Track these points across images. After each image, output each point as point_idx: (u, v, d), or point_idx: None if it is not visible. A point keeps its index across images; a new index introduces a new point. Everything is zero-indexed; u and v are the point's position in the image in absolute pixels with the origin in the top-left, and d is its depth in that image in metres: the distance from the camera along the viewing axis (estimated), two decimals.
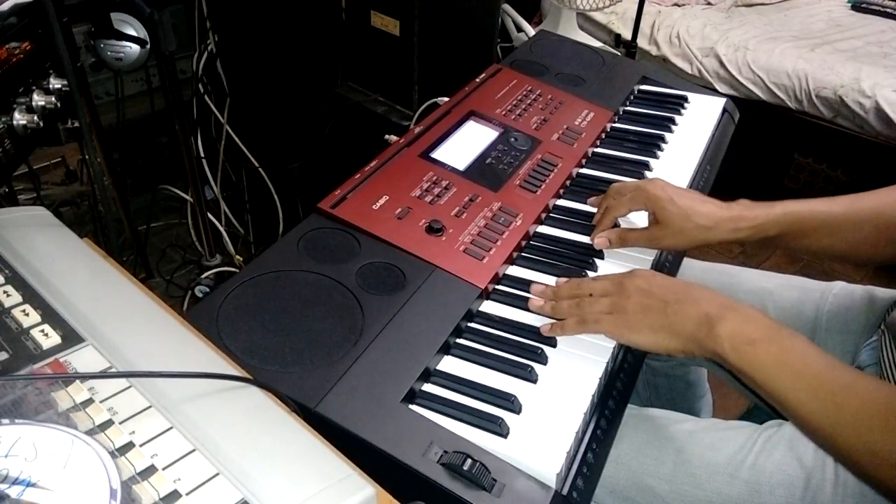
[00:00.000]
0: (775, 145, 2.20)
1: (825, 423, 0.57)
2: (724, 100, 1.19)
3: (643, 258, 0.83)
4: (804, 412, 0.57)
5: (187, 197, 1.58)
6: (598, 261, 0.82)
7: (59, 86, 0.85)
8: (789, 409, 0.59)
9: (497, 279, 0.78)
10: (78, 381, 0.45)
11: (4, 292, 0.51)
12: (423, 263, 0.75)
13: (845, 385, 0.57)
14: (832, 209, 0.77)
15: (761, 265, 2.04)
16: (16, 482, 0.37)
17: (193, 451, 0.42)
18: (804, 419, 0.58)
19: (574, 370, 0.67)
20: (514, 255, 0.81)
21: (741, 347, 0.60)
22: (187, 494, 0.39)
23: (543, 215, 0.89)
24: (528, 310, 0.74)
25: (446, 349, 0.68)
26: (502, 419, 0.60)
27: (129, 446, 0.41)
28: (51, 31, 0.82)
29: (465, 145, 0.95)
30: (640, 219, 0.85)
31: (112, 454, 0.40)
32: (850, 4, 2.52)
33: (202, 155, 1.70)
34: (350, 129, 1.42)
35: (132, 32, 1.12)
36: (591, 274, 0.80)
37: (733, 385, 0.89)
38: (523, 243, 0.84)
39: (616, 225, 0.85)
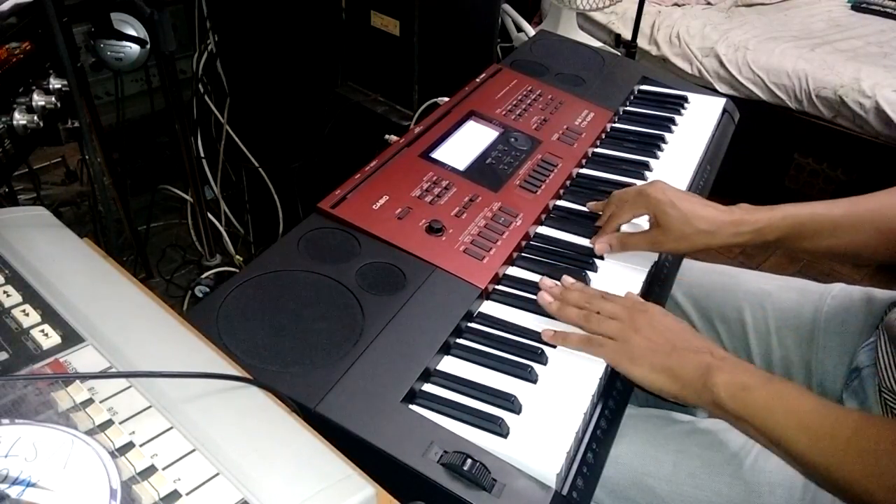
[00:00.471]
0: (775, 145, 2.20)
1: (820, 456, 0.58)
2: (724, 100, 1.19)
3: (643, 259, 0.83)
4: (800, 448, 0.59)
5: (187, 197, 1.58)
6: (598, 261, 0.82)
7: (59, 86, 0.85)
8: (784, 447, 0.60)
9: (497, 279, 0.78)
10: (78, 381, 0.45)
11: (4, 292, 0.51)
12: (423, 263, 0.75)
13: (837, 417, 0.59)
14: (832, 212, 0.78)
15: (761, 266, 2.04)
16: (16, 482, 0.37)
17: (193, 451, 0.42)
18: (800, 455, 0.59)
19: (574, 370, 0.67)
20: (514, 255, 0.81)
21: (736, 394, 0.62)
22: (187, 494, 0.39)
23: (543, 216, 0.89)
24: (528, 310, 0.74)
25: (446, 349, 0.68)
26: (502, 419, 0.60)
27: (129, 446, 0.41)
28: (51, 31, 0.82)
29: (465, 145, 0.95)
30: (642, 222, 0.85)
31: (112, 454, 0.40)
32: (850, 4, 2.52)
33: (202, 155, 1.70)
34: (350, 129, 1.42)
35: (132, 32, 1.12)
36: (591, 275, 0.80)
37: None
38: (523, 244, 0.84)
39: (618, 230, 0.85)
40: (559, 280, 0.77)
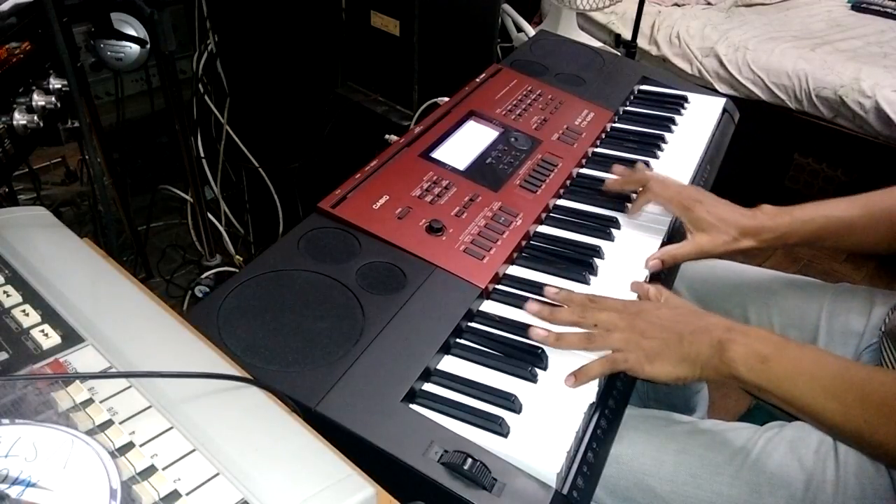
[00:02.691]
0: (775, 145, 2.19)
1: (852, 422, 0.57)
2: (724, 100, 1.19)
3: (638, 268, 0.82)
4: (829, 416, 0.58)
5: (187, 197, 1.58)
6: (598, 261, 0.82)
7: (59, 86, 0.85)
8: (814, 416, 0.59)
9: (497, 279, 0.78)
10: (78, 381, 0.44)
11: (4, 292, 0.51)
12: (424, 263, 0.75)
13: (864, 380, 0.59)
14: (850, 213, 0.80)
15: (762, 264, 2.04)
16: (16, 482, 0.37)
17: (193, 451, 0.42)
18: (830, 422, 0.59)
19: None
20: (515, 254, 0.81)
21: (755, 366, 0.61)
22: (187, 494, 0.39)
23: (543, 215, 0.89)
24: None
25: (446, 349, 0.68)
26: (503, 419, 0.60)
27: (129, 446, 0.41)
28: (51, 31, 0.82)
29: (465, 145, 0.95)
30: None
31: (112, 454, 0.40)
32: (850, 4, 2.52)
33: (202, 155, 1.70)
34: (350, 129, 1.42)
35: (132, 32, 1.12)
36: (591, 277, 0.80)
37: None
38: (523, 243, 0.84)
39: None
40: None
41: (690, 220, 0.82)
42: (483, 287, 0.74)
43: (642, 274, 0.81)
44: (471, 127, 0.99)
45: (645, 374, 0.66)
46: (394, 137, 1.22)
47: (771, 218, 0.80)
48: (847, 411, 0.57)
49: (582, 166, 1.00)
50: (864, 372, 0.60)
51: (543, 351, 0.68)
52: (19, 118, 0.78)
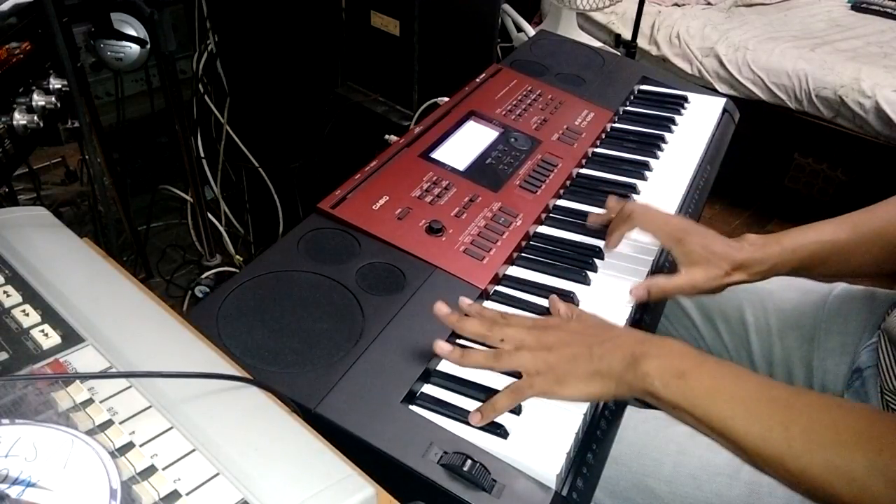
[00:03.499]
0: (775, 145, 2.20)
1: (773, 446, 0.53)
2: (724, 100, 1.19)
3: (643, 257, 0.83)
4: (750, 439, 0.55)
5: (187, 197, 1.58)
6: (598, 261, 0.82)
7: (59, 86, 0.85)
8: (732, 438, 0.56)
9: (497, 279, 0.78)
10: (78, 381, 0.45)
11: (4, 292, 0.51)
12: (423, 263, 0.75)
13: (787, 402, 0.55)
14: (839, 236, 0.77)
15: None
16: (16, 482, 0.37)
17: (193, 451, 0.42)
18: (750, 445, 0.55)
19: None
20: (514, 255, 0.81)
21: (671, 382, 0.58)
22: (187, 494, 0.39)
23: (543, 215, 0.89)
24: (528, 310, 0.74)
25: None
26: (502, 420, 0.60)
27: (129, 446, 0.41)
28: (51, 31, 0.82)
29: (465, 145, 0.95)
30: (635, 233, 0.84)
31: (112, 454, 0.40)
32: (850, 4, 2.52)
33: (202, 155, 1.70)
34: (350, 129, 1.42)
35: (132, 32, 1.12)
36: (591, 275, 0.80)
37: None
38: (523, 243, 0.84)
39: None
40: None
41: (682, 253, 0.77)
42: (483, 288, 0.74)
43: (642, 274, 0.81)
44: (471, 127, 0.99)
45: (556, 396, 0.62)
46: (394, 137, 1.22)
47: (760, 249, 0.76)
48: (768, 434, 0.54)
49: (582, 166, 1.00)
50: (786, 393, 0.57)
51: None
52: (19, 118, 0.78)
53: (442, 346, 0.64)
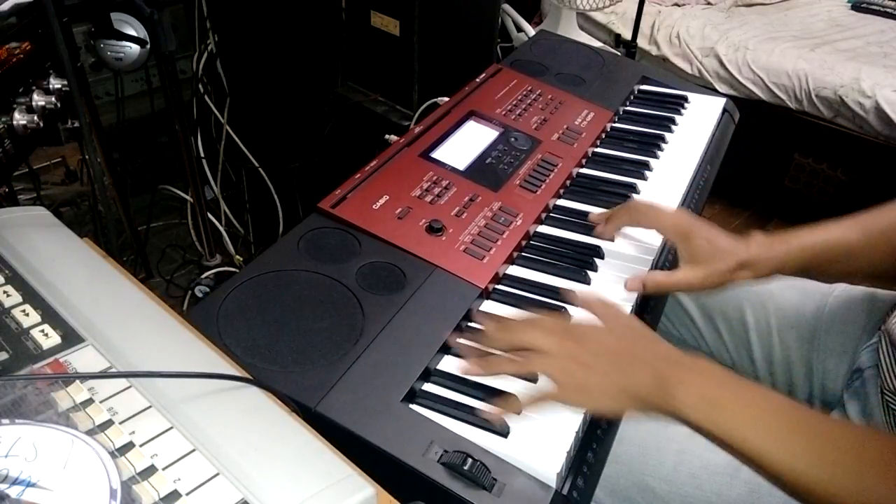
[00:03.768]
0: (775, 145, 2.19)
1: (810, 477, 0.53)
2: (724, 100, 1.19)
3: (644, 257, 0.83)
4: (785, 469, 0.54)
5: (187, 197, 1.58)
6: (598, 260, 0.82)
7: (59, 86, 0.85)
8: (768, 468, 0.55)
9: (497, 279, 0.78)
10: (78, 381, 0.45)
11: (4, 292, 0.51)
12: (424, 263, 0.75)
13: (826, 433, 0.54)
14: (848, 237, 0.76)
15: None
16: (16, 482, 0.37)
17: (193, 451, 0.42)
18: (786, 476, 0.54)
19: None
20: (515, 254, 0.81)
21: (704, 409, 0.56)
22: (187, 494, 0.39)
23: (543, 215, 0.89)
24: (528, 310, 0.74)
25: (446, 349, 0.68)
26: (503, 419, 0.60)
27: (129, 446, 0.41)
28: (51, 31, 0.82)
29: (465, 145, 0.95)
30: (635, 232, 0.85)
31: (112, 454, 0.40)
32: (850, 4, 2.52)
33: (202, 155, 1.70)
34: (350, 129, 1.42)
35: (132, 32, 1.12)
36: (591, 275, 0.80)
37: None
38: (523, 243, 0.84)
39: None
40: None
41: (687, 250, 0.76)
42: (483, 287, 0.74)
43: (642, 273, 0.81)
44: (471, 127, 0.99)
45: (581, 407, 0.61)
46: (394, 137, 1.22)
47: (767, 248, 0.75)
48: (806, 465, 0.53)
49: (582, 166, 1.00)
50: (826, 423, 0.56)
51: None
52: (19, 118, 0.78)
53: (464, 365, 0.64)
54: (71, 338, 0.48)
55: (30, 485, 0.37)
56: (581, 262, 0.81)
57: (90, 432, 0.41)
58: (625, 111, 1.14)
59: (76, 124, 0.92)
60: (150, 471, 0.40)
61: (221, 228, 1.73)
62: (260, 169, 1.68)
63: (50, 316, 0.49)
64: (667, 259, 0.87)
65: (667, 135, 1.08)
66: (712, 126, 1.12)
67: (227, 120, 1.65)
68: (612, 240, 0.84)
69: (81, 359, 0.47)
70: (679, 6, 2.38)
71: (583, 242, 0.85)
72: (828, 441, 0.54)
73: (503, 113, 1.04)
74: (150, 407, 0.44)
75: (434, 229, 0.79)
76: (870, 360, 0.81)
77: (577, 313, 0.74)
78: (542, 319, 0.65)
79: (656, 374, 0.59)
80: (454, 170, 0.90)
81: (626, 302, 0.76)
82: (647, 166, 1.00)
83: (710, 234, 0.76)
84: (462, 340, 0.66)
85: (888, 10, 2.45)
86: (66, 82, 0.85)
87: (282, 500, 0.40)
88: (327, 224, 0.79)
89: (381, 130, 1.26)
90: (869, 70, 1.97)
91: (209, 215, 1.51)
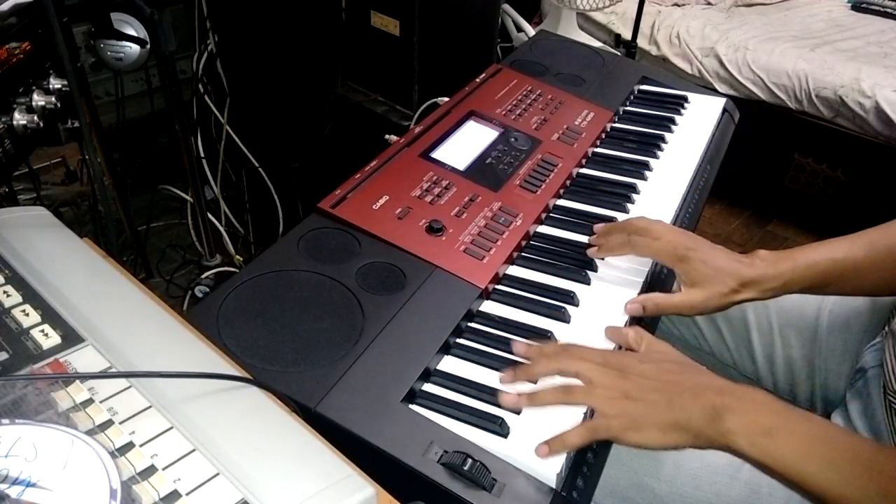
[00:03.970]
0: (775, 145, 2.19)
1: None
2: (724, 100, 1.19)
3: (639, 269, 0.82)
4: (844, 500, 0.52)
5: (187, 197, 1.58)
6: (598, 261, 0.82)
7: (59, 86, 0.85)
8: (824, 498, 0.53)
9: (497, 279, 0.78)
10: (78, 381, 0.44)
11: (4, 292, 0.51)
12: (423, 263, 0.75)
13: (883, 465, 0.53)
14: (855, 254, 0.74)
15: None
16: (16, 482, 0.37)
17: (193, 451, 0.42)
18: None
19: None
20: (515, 254, 0.81)
21: (758, 440, 0.55)
22: (187, 494, 0.39)
23: (543, 215, 0.89)
24: (529, 310, 0.74)
25: (446, 349, 0.68)
26: (503, 419, 0.60)
27: (129, 446, 0.41)
28: (51, 31, 0.82)
29: (465, 145, 0.95)
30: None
31: (112, 454, 0.40)
32: (850, 4, 2.52)
33: (202, 155, 1.70)
34: (350, 129, 1.42)
35: (132, 32, 1.12)
36: (591, 275, 0.80)
37: None
38: (523, 243, 0.84)
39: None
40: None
41: (684, 273, 0.74)
42: (483, 287, 0.74)
43: (642, 275, 0.81)
44: (471, 127, 0.99)
45: (631, 442, 0.59)
46: (394, 137, 1.22)
47: (772, 265, 0.73)
48: (864, 497, 0.52)
49: (582, 166, 1.00)
50: (880, 455, 0.54)
51: None
52: (19, 118, 0.78)
53: (506, 398, 0.62)
54: (71, 338, 0.48)
55: (30, 485, 0.37)
56: (581, 261, 0.81)
57: (90, 432, 0.41)
58: (625, 111, 1.14)
59: (76, 124, 0.92)
60: (150, 471, 0.40)
61: (221, 228, 1.73)
62: (260, 169, 1.68)
63: (50, 316, 0.49)
64: (664, 267, 0.86)
65: (667, 135, 1.08)
66: (712, 126, 1.12)
67: (227, 120, 1.65)
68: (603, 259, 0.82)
69: (81, 359, 0.47)
70: (679, 6, 2.38)
71: (583, 242, 0.85)
72: (888, 475, 0.52)
73: (503, 113, 1.04)
74: (150, 407, 0.44)
75: (434, 229, 0.79)
76: (873, 359, 0.81)
77: (581, 316, 0.74)
78: (581, 348, 0.64)
79: (706, 406, 0.57)
80: (454, 170, 0.90)
81: (626, 302, 0.76)
82: (647, 166, 1.00)
83: (707, 255, 0.74)
84: (508, 376, 0.65)
85: (888, 10, 2.45)
86: (66, 82, 0.85)
87: (282, 499, 0.40)
88: (327, 224, 0.79)
89: (381, 130, 1.27)
90: (869, 70, 1.97)
91: (209, 215, 1.51)
